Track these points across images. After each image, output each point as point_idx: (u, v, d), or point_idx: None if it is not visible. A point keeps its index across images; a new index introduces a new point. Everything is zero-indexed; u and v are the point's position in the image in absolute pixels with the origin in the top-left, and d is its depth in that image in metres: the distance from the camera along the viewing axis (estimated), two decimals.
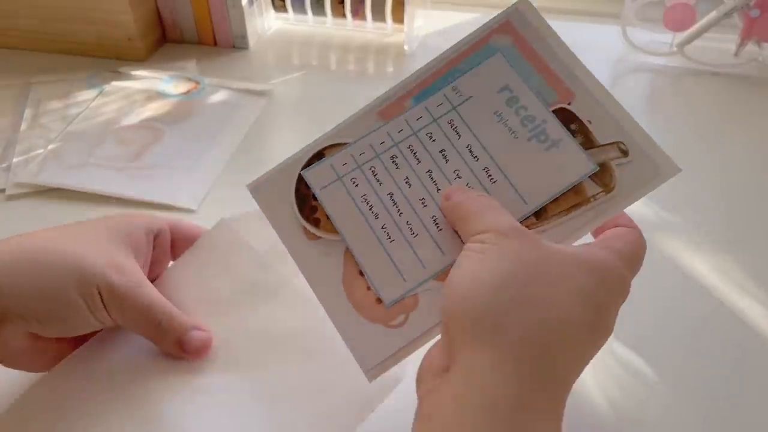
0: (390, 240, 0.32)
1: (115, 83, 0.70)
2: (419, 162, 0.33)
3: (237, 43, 0.78)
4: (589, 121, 0.32)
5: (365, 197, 0.33)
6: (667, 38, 0.73)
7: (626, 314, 0.45)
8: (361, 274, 0.32)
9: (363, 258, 0.32)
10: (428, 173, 0.32)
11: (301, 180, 0.34)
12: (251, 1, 0.76)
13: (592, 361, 0.40)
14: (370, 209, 0.33)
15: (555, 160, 0.31)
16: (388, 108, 0.34)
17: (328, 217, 0.33)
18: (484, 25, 0.34)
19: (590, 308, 0.27)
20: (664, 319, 0.43)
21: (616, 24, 0.75)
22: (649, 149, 0.31)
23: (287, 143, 0.64)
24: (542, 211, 0.31)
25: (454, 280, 0.28)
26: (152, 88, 0.69)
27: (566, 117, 0.32)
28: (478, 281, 0.27)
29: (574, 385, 0.39)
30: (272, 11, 0.82)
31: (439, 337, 0.29)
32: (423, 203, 0.32)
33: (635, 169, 0.31)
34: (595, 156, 0.31)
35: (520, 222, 0.30)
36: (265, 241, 0.37)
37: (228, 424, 0.31)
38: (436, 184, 0.32)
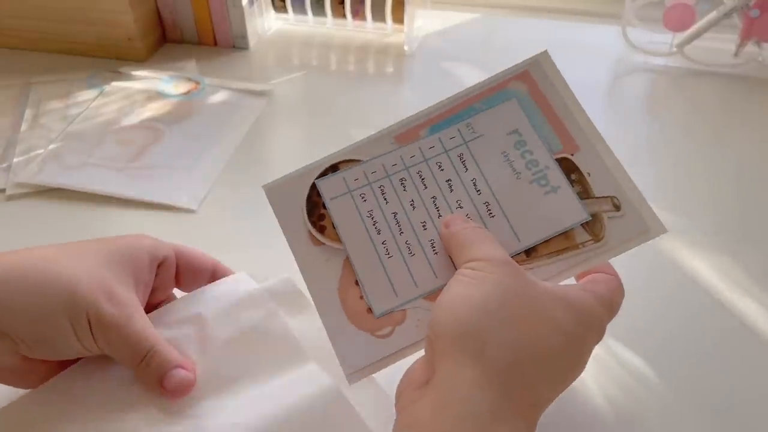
0: (388, 255, 0.34)
1: (116, 83, 0.70)
2: (426, 188, 0.35)
3: (237, 44, 0.78)
4: (589, 174, 0.34)
5: (371, 212, 0.35)
6: (666, 38, 0.73)
7: (626, 314, 0.45)
8: (357, 283, 0.34)
9: (360, 268, 0.34)
10: (432, 199, 0.35)
11: (314, 188, 0.36)
12: (251, 2, 0.76)
13: (592, 361, 0.40)
14: (374, 224, 0.35)
15: (552, 205, 0.34)
16: (405, 134, 0.36)
17: (333, 226, 0.35)
18: (504, 71, 0.37)
19: (568, 343, 0.29)
20: (664, 319, 0.43)
21: (616, 24, 0.75)
22: (640, 208, 0.33)
23: (287, 143, 0.64)
24: (533, 250, 0.33)
25: (444, 299, 0.30)
26: (152, 88, 0.69)
27: (568, 166, 0.34)
28: (467, 302, 0.29)
29: (575, 385, 0.39)
30: (272, 11, 0.82)
31: (420, 353, 0.31)
32: (423, 226, 0.34)
33: (625, 224, 0.33)
34: (590, 206, 0.34)
35: (511, 257, 0.32)
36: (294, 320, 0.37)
37: None
38: (438, 210, 0.34)
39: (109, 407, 0.32)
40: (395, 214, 0.35)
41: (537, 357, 0.28)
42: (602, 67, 0.74)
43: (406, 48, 0.77)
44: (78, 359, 0.34)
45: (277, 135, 0.64)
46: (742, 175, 0.57)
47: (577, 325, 0.30)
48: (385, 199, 0.35)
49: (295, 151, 0.62)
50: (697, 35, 0.71)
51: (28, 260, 0.32)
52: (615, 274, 0.34)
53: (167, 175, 0.57)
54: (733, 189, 0.55)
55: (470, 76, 0.72)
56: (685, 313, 0.44)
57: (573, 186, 0.34)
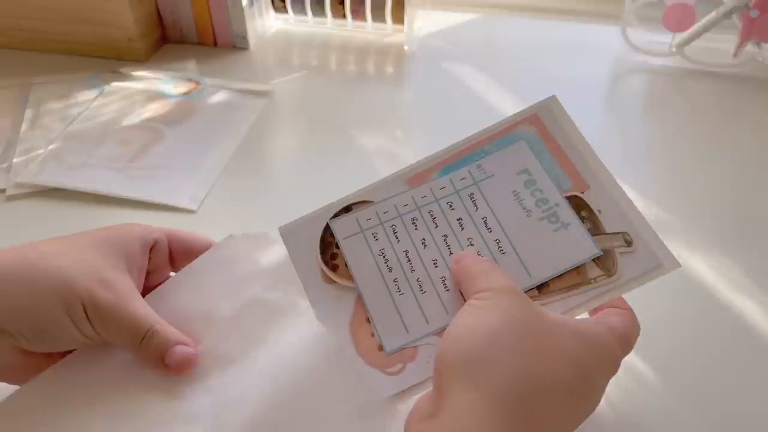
0: (399, 293, 0.34)
1: (116, 84, 0.70)
2: (437, 227, 0.36)
3: (237, 44, 0.78)
4: (599, 211, 0.35)
5: (382, 251, 0.36)
6: (666, 39, 0.73)
7: None
8: (368, 320, 0.34)
9: (372, 305, 0.34)
10: (444, 237, 0.35)
11: (327, 229, 0.37)
12: (251, 2, 0.76)
13: None
14: (386, 262, 0.35)
15: (562, 241, 0.34)
16: (416, 176, 0.38)
17: (346, 265, 0.36)
18: (514, 114, 0.38)
19: (578, 375, 0.28)
20: (664, 319, 0.43)
21: (616, 24, 0.75)
22: (653, 244, 0.33)
23: (287, 143, 0.64)
24: (545, 286, 0.33)
25: (451, 330, 0.30)
26: (152, 88, 0.69)
27: (578, 204, 0.35)
28: (473, 329, 0.29)
29: None
30: (272, 12, 0.82)
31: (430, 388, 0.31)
32: (435, 264, 0.35)
33: (638, 259, 0.33)
34: (601, 242, 0.34)
35: (524, 292, 0.32)
36: (274, 262, 0.38)
37: None
38: (449, 248, 0.35)
39: (113, 389, 0.32)
40: (406, 252, 0.35)
41: (546, 388, 0.27)
42: (602, 67, 0.74)
43: (406, 48, 0.77)
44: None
45: (277, 135, 0.64)
46: (742, 175, 0.57)
47: (589, 357, 0.29)
48: (397, 237, 0.36)
49: (295, 151, 0.62)
50: (696, 35, 0.71)
51: (19, 256, 0.32)
52: (629, 309, 0.33)
53: (167, 176, 0.57)
54: (732, 189, 0.55)
55: (470, 76, 0.72)
56: (684, 313, 0.44)
57: (583, 222, 0.34)
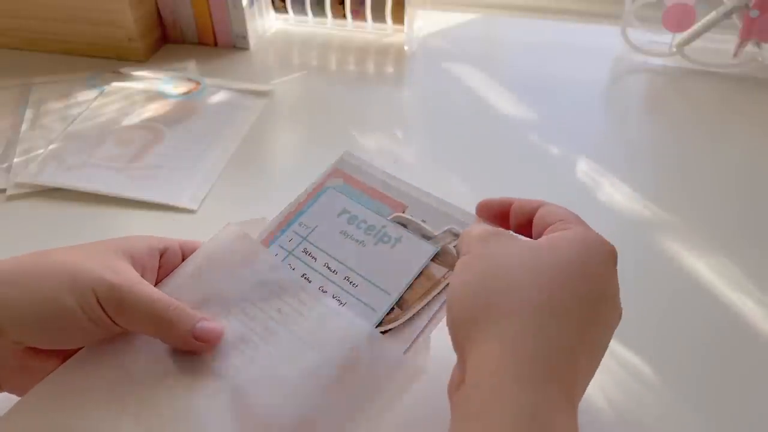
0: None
1: (116, 84, 0.70)
2: (286, 291, 0.36)
3: (237, 44, 0.78)
4: (423, 220, 0.38)
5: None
6: (666, 39, 0.73)
7: (626, 314, 0.45)
8: None
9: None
10: (297, 298, 0.36)
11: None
12: (252, 2, 0.76)
13: None
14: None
15: (402, 252, 0.37)
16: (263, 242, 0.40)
17: None
18: (319, 175, 0.42)
19: (580, 280, 0.28)
20: (664, 319, 0.43)
21: (615, 24, 0.75)
22: (466, 221, 0.37)
23: (287, 143, 0.64)
24: (402, 301, 0.35)
25: (448, 296, 0.30)
26: (152, 88, 0.69)
27: (403, 221, 0.38)
28: (462, 286, 0.30)
29: None
30: (272, 12, 0.82)
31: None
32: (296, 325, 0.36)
33: None
34: (434, 244, 0.37)
35: (387, 314, 0.34)
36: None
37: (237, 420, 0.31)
38: (305, 304, 0.35)
39: (129, 381, 0.32)
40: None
41: (554, 310, 0.27)
42: (602, 67, 0.74)
43: (406, 48, 0.77)
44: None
45: (277, 135, 0.64)
46: (742, 175, 0.57)
47: (579, 257, 0.29)
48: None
49: (295, 151, 0.62)
50: (696, 35, 0.71)
51: (22, 259, 0.32)
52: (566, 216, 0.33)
53: (167, 175, 0.57)
54: (732, 189, 0.55)
55: (470, 76, 0.72)
56: (684, 312, 0.44)
57: (413, 233, 0.38)
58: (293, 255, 0.38)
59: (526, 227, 0.34)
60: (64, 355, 0.33)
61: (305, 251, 0.38)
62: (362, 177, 0.41)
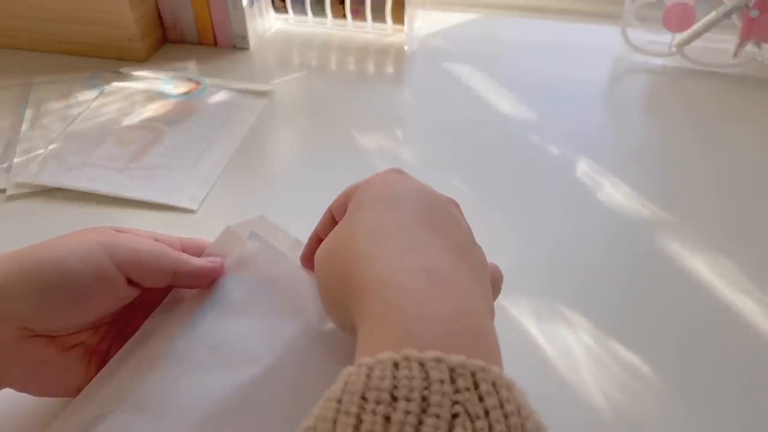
0: None
1: (116, 84, 0.70)
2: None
3: (237, 44, 0.78)
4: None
5: None
6: (666, 39, 0.73)
7: (626, 314, 0.45)
8: None
9: None
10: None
11: None
12: (252, 2, 0.76)
13: (591, 360, 0.40)
14: None
15: None
16: None
17: None
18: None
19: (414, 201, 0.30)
20: (664, 319, 0.43)
21: (615, 24, 0.75)
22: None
23: (287, 143, 0.64)
24: None
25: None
26: (152, 88, 0.69)
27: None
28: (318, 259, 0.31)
29: (574, 384, 0.39)
30: (272, 12, 0.82)
31: None
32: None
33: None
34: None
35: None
36: (282, 243, 0.39)
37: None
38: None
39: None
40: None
41: (381, 196, 0.29)
42: (602, 67, 0.74)
43: (406, 48, 0.77)
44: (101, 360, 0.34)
45: (277, 135, 0.64)
46: (741, 175, 0.57)
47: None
48: None
49: (295, 151, 0.62)
50: (696, 35, 0.71)
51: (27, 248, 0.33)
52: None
53: (167, 175, 0.57)
54: (732, 189, 0.55)
55: (470, 76, 0.72)
56: (684, 312, 0.44)
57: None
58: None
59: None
60: (63, 345, 0.33)
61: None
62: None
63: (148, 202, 0.54)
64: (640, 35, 0.74)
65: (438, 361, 0.20)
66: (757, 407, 0.38)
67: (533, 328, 0.42)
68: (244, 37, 0.77)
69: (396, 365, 0.20)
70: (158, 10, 0.77)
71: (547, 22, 0.85)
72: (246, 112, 0.66)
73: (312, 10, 0.80)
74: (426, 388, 0.19)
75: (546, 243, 0.49)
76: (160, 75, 0.71)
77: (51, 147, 0.60)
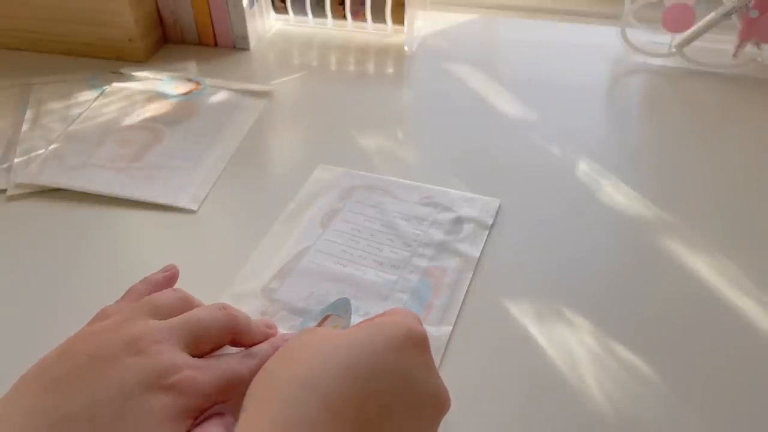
0: None
1: (116, 84, 0.70)
2: None
3: (237, 44, 0.78)
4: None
5: None
6: (666, 39, 0.73)
7: (626, 314, 0.45)
8: None
9: None
10: None
11: None
12: (252, 2, 0.76)
13: (592, 360, 0.41)
14: None
15: None
16: None
17: None
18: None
19: (360, 356, 0.28)
20: (664, 319, 0.43)
21: (615, 24, 0.75)
22: None
23: (287, 143, 0.64)
24: None
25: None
26: (153, 88, 0.69)
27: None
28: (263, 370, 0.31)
29: (574, 384, 0.39)
30: (273, 12, 0.82)
31: None
32: None
33: None
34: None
35: None
36: None
37: None
38: None
39: None
40: None
41: (302, 374, 0.28)
42: (601, 68, 0.75)
43: (406, 48, 0.77)
44: None
45: (277, 135, 0.64)
46: (741, 176, 0.57)
47: (370, 338, 0.29)
48: None
49: (295, 152, 0.62)
50: (696, 36, 0.71)
51: None
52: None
53: (167, 176, 0.57)
54: (732, 189, 0.56)
55: (470, 76, 0.72)
56: (685, 313, 0.44)
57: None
58: None
59: None
60: None
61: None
62: None
63: (148, 203, 0.54)
64: (639, 36, 0.74)
65: None
66: (757, 407, 0.38)
67: (533, 328, 0.42)
68: (245, 38, 0.77)
69: None
70: (158, 10, 0.77)
71: (547, 23, 0.85)
72: (246, 112, 0.66)
73: (312, 10, 0.80)
74: None
75: (546, 243, 0.50)
76: (160, 75, 0.71)
77: (51, 147, 0.60)
